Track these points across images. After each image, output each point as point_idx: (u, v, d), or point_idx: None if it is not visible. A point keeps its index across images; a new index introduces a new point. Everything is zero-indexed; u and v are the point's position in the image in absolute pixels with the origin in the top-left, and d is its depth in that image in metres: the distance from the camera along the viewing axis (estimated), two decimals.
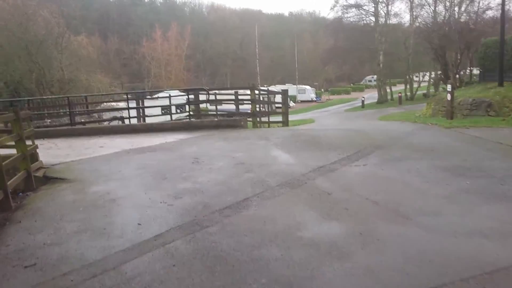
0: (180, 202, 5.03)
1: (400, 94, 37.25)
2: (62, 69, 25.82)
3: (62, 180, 6.80)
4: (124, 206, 5.10)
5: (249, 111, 25.26)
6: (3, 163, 5.54)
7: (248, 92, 23.15)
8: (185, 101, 23.44)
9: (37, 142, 12.19)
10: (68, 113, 14.53)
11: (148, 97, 21.46)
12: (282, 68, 76.51)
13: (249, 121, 12.75)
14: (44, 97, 18.44)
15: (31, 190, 6.80)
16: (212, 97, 15.78)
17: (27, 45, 24.37)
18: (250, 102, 13.59)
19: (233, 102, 16.05)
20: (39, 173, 7.35)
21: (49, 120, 18.30)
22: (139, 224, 4.36)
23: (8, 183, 5.76)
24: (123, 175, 6.70)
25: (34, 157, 7.70)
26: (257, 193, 5.21)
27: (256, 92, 15.83)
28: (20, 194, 6.82)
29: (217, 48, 76.87)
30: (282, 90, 14.83)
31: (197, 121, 12.91)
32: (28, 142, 7.51)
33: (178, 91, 24.11)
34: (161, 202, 5.09)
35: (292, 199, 4.96)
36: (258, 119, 12.96)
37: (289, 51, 75.51)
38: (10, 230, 4.52)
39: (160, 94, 23.97)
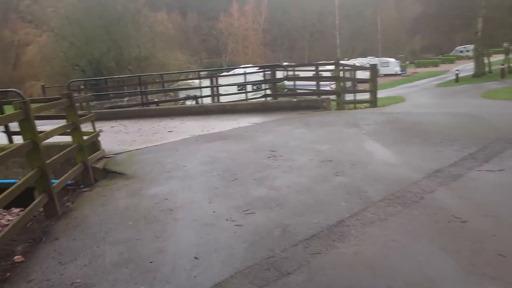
0: (251, 221, 3.82)
1: (503, 66, 32.54)
2: (139, 46, 25.86)
3: (121, 175, 5.94)
4: (181, 221, 4.01)
5: (328, 89, 23.42)
6: (48, 161, 4.71)
7: (329, 67, 21.34)
8: (261, 78, 22.35)
9: (108, 124, 11.84)
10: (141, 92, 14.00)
11: (224, 73, 20.54)
12: (363, 39, 72.13)
13: (333, 100, 11.17)
14: (115, 76, 18.34)
15: (88, 184, 6.06)
16: (290, 74, 14.31)
17: (105, 24, 24.67)
18: (333, 79, 11.97)
19: (313, 79, 14.47)
20: (99, 165, 6.59)
21: (126, 99, 18.17)
22: (195, 258, 3.21)
23: (58, 181, 4.96)
24: (187, 172, 5.65)
25: (95, 146, 6.97)
26: (355, 212, 3.82)
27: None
28: (82, 186, 6.14)
29: (295, 21, 74.30)
30: (370, 65, 12.98)
31: (274, 102, 11.63)
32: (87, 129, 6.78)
33: (253, 67, 23.00)
34: (227, 220, 3.91)
35: (407, 227, 3.50)
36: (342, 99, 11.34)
37: (370, 21, 70.78)
38: (41, 253, 3.64)
39: (237, 71, 23.03)
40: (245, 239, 3.47)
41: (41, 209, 4.71)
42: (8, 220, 5.42)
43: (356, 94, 13.05)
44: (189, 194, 4.78)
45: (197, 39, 68.90)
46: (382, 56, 54.33)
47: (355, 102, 12.61)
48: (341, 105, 10.95)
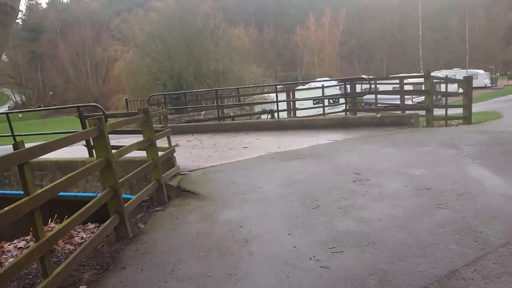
0: (339, 263, 3.22)
1: None
2: (217, 60, 26.34)
3: (194, 195, 5.64)
4: (257, 256, 3.52)
5: (410, 102, 21.93)
6: (121, 180, 4.51)
7: (411, 80, 19.97)
8: (339, 92, 21.53)
9: (185, 138, 11.87)
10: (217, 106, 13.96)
11: (299, 87, 20.07)
12: (447, 51, 67.95)
13: (421, 116, 10.16)
14: (193, 91, 18.65)
15: (162, 203, 5.85)
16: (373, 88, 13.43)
17: (186, 39, 25.49)
18: (423, 92, 10.90)
19: (399, 92, 13.43)
20: (174, 182, 6.38)
21: (203, 113, 18.38)
22: None
23: (130, 201, 4.74)
24: (263, 195, 5.19)
25: (170, 162, 6.79)
26: (471, 260, 3.07)
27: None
28: (156, 203, 5.96)
29: (372, 33, 72.08)
30: (464, 77, 11.73)
31: (355, 118, 10.87)
32: (162, 144, 6.61)
33: (332, 81, 22.26)
34: (310, 258, 3.35)
35: None
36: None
37: (455, 31, 66.60)
38: (107, 284, 3.35)
39: (312, 84, 22.45)
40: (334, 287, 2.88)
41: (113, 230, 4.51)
42: (82, 238, 5.33)
43: (447, 109, 11.82)
44: (266, 222, 4.29)
45: (272, 52, 69.45)
46: (470, 68, 50.50)
47: (446, 118, 11.41)
48: (431, 121, 9.89)
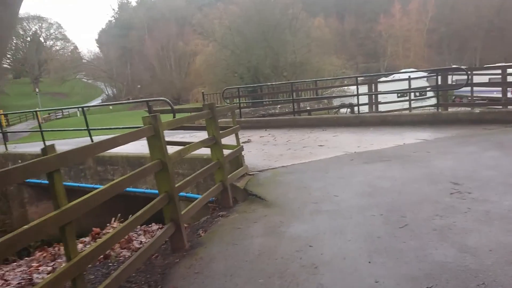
0: None
1: None
2: (295, 52, 25.54)
3: (261, 200, 5.07)
4: None
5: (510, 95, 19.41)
6: (178, 184, 4.07)
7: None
8: (426, 84, 19.67)
9: (258, 133, 11.36)
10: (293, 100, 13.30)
11: (382, 79, 18.65)
12: None
13: None
14: (267, 84, 18.12)
15: (226, 206, 5.38)
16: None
17: (263, 31, 25.02)
18: None
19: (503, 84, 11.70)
20: (241, 183, 5.88)
21: (279, 106, 17.84)
22: None
23: (188, 207, 4.30)
24: (338, 206, 4.46)
25: (238, 161, 6.30)
26: None
27: None
28: (220, 207, 5.53)
29: (466, 19, 66.02)
30: None
31: (448, 113, 9.57)
32: (227, 142, 6.13)
33: (418, 72, 20.48)
34: None
35: None
36: None
37: None
38: None
39: (396, 76, 20.81)
40: None
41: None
42: (141, 243, 5.02)
43: None
44: (341, 242, 3.58)
45: (354, 43, 66.84)
46: None
47: None
48: None
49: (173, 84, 69.47)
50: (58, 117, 59.20)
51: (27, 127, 47.21)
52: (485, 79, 15.42)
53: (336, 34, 53.37)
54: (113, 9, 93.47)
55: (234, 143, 6.34)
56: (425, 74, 20.40)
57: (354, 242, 3.54)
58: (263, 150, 8.25)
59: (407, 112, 12.02)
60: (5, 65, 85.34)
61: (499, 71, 12.16)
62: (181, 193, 6.86)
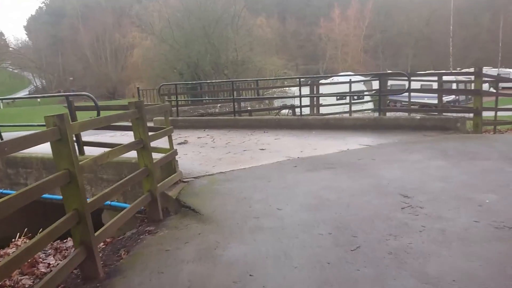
0: None
1: None
2: (236, 50, 24.98)
3: (195, 214, 4.46)
4: None
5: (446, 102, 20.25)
6: (90, 200, 3.34)
7: (447, 78, 18.33)
8: (364, 88, 20.01)
9: (196, 134, 10.66)
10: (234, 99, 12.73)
11: (323, 81, 18.66)
12: (477, 48, 64.90)
13: (468, 119, 8.76)
14: (207, 81, 17.45)
15: (155, 220, 4.69)
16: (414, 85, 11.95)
17: (204, 26, 24.20)
18: (472, 93, 9.47)
19: (441, 91, 11.93)
20: (173, 192, 5.22)
21: (219, 105, 17.21)
22: None
23: (104, 228, 3.57)
24: (282, 221, 3.96)
25: (170, 167, 5.62)
26: None
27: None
28: (147, 221, 4.84)
29: (399, 27, 69.36)
30: None
31: (390, 119, 9.52)
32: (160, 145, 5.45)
33: (357, 75, 20.80)
34: None
35: None
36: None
37: (487, 27, 63.44)
38: None
39: (335, 78, 20.98)
40: None
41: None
42: (48, 267, 4.18)
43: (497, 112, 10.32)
44: (286, 269, 3.06)
45: (294, 44, 67.70)
46: (501, 67, 47.96)
47: (495, 123, 9.94)
48: (480, 126, 8.48)
49: (109, 77, 66.23)
50: None
51: None
52: (417, 85, 15.88)
53: (278, 34, 53.64)
54: None
55: (167, 145, 5.66)
56: (362, 78, 20.77)
57: (301, 269, 3.03)
58: (200, 153, 7.61)
59: (350, 116, 11.92)
60: None
61: (435, 78, 12.43)
62: (106, 202, 6.07)
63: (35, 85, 77.71)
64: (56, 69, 75.35)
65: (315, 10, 71.49)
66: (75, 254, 3.12)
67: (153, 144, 5.21)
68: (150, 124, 9.86)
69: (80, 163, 3.23)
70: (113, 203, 6.15)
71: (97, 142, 6.49)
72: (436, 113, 11.78)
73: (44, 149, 6.87)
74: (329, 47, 63.09)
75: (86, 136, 7.19)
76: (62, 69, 75.44)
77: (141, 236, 4.30)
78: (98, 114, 6.06)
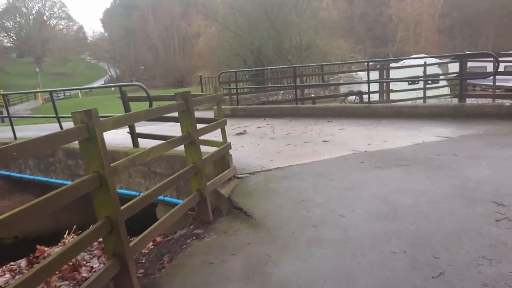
0: None
1: None
2: (300, 33, 24.05)
3: (247, 218, 3.99)
4: None
5: None
6: (124, 207, 2.97)
7: None
8: (439, 71, 18.32)
9: (255, 123, 10.20)
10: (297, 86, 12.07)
11: (393, 65, 17.31)
12: None
13: None
14: (268, 67, 16.84)
15: (205, 221, 4.31)
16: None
17: (267, 10, 23.52)
18: None
19: None
20: (226, 190, 4.81)
21: (282, 92, 16.65)
22: None
23: (139, 238, 3.21)
24: (346, 232, 3.36)
25: (223, 162, 5.20)
26: None
27: None
28: (197, 223, 4.50)
29: (479, 4, 63.74)
30: None
31: (473, 106, 8.38)
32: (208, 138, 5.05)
33: (431, 58, 19.15)
34: None
35: None
36: None
37: None
38: None
39: (407, 62, 19.44)
40: None
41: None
42: (91, 271, 3.94)
43: None
44: None
45: (362, 27, 64.78)
46: None
47: None
48: None
49: (177, 66, 67.98)
50: (60, 97, 58.24)
51: (28, 107, 46.45)
52: (500, 67, 14.15)
53: (345, 17, 51.53)
54: None
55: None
56: (437, 60, 19.07)
57: None
58: (258, 145, 7.14)
59: (424, 103, 10.81)
60: (8, 44, 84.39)
61: None
62: (159, 197, 5.84)
63: (110, 74, 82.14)
64: (129, 59, 78.87)
65: None
66: (107, 267, 2.77)
67: (205, 137, 4.84)
68: (211, 113, 9.60)
69: (113, 164, 2.87)
70: (166, 198, 5.91)
71: (151, 134, 6.24)
72: None
73: (117, 138, 6.76)
74: (400, 28, 59.54)
75: (141, 127, 7.02)
76: (134, 59, 78.79)
77: (188, 241, 3.93)
78: (151, 105, 5.79)
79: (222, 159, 5.20)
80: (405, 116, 8.55)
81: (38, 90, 32.20)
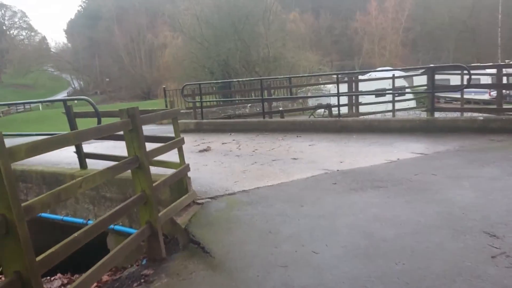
0: None
1: None
2: (268, 46, 23.77)
3: (204, 255, 3.40)
4: None
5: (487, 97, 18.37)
6: (40, 258, 2.33)
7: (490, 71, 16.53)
8: (405, 84, 18.38)
9: (221, 138, 9.60)
10: (265, 99, 11.61)
11: (362, 77, 17.19)
12: None
13: None
14: (233, 80, 16.40)
15: (156, 259, 3.68)
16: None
17: (234, 22, 23.14)
18: None
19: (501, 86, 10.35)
20: (183, 218, 4.24)
21: (249, 105, 16.17)
22: None
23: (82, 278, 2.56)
24: (320, 275, 2.83)
25: (181, 186, 4.61)
26: None
27: None
28: (145, 262, 3.88)
29: (440, 19, 65.97)
30: None
31: (445, 120, 8.12)
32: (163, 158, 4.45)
33: (395, 71, 19.22)
34: None
35: None
36: None
37: None
38: None
39: (373, 74, 19.44)
40: None
41: None
42: None
43: None
44: None
45: (329, 39, 65.79)
46: None
47: None
48: None
49: (143, 77, 66.63)
50: (19, 110, 55.70)
51: None
52: (459, 80, 14.20)
53: (312, 30, 52.05)
54: None
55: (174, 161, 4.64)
56: (403, 73, 19.15)
57: None
58: (222, 163, 6.56)
59: (395, 117, 10.56)
60: None
61: (494, 71, 10.85)
62: (110, 226, 5.16)
63: (73, 86, 79.65)
64: (93, 71, 76.82)
65: (350, 4, 69.11)
66: None
67: (162, 157, 4.25)
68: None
69: (25, 204, 2.22)
70: (116, 227, 5.22)
71: (101, 154, 5.56)
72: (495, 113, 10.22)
73: (49, 158, 6.06)
74: (365, 42, 60.77)
75: (97, 143, 6.33)
76: (99, 71, 76.80)
77: (134, 285, 3.29)
78: (99, 122, 5.13)
79: (180, 182, 4.60)
80: (377, 130, 8.22)
81: None
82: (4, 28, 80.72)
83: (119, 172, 3.31)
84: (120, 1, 78.55)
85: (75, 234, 2.69)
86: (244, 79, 17.91)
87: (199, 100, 10.85)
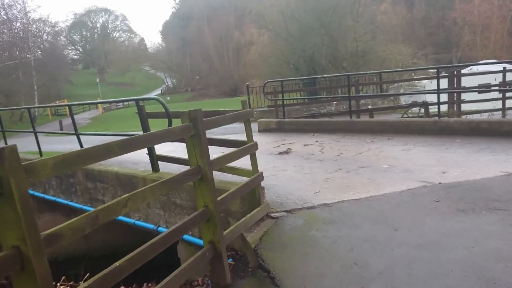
0: None
1: None
2: (356, 39, 22.41)
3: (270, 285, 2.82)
4: None
5: None
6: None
7: None
8: None
9: (302, 139, 8.93)
10: (353, 96, 10.72)
11: (464, 72, 15.33)
12: None
13: None
14: (317, 76, 15.52)
15: (220, 284, 3.20)
16: None
17: (320, 16, 22.18)
18: None
19: None
20: (253, 237, 3.69)
21: (335, 103, 15.29)
22: None
23: None
24: None
25: (254, 197, 4.10)
26: None
27: None
28: (210, 283, 3.43)
29: None
30: None
31: None
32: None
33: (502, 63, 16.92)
34: None
35: None
36: None
37: None
38: None
39: (474, 68, 17.27)
40: None
41: None
42: None
43: None
44: None
45: (423, 32, 61.38)
46: None
47: None
48: None
49: (231, 75, 68.15)
50: (119, 107, 60.14)
51: (89, 116, 48.52)
52: None
53: (404, 22, 48.83)
54: (174, 0, 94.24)
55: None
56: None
57: None
58: (302, 169, 5.94)
59: (503, 117, 9.07)
60: (75, 56, 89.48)
61: None
62: (184, 236, 4.85)
63: (166, 84, 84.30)
64: (185, 69, 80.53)
65: None
66: None
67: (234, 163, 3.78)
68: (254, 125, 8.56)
69: (44, 233, 1.83)
70: (185, 236, 4.87)
71: (173, 157, 5.27)
72: None
73: (134, 157, 5.95)
74: (465, 32, 55.57)
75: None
76: (190, 69, 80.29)
77: None
78: (170, 123, 4.81)
79: (252, 193, 4.08)
80: (486, 134, 6.98)
81: (81, 102, 32.91)
82: (108, 31, 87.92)
83: (176, 187, 2.87)
84: (210, 1, 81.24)
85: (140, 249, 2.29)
86: (329, 75, 16.98)
87: (281, 98, 10.32)
